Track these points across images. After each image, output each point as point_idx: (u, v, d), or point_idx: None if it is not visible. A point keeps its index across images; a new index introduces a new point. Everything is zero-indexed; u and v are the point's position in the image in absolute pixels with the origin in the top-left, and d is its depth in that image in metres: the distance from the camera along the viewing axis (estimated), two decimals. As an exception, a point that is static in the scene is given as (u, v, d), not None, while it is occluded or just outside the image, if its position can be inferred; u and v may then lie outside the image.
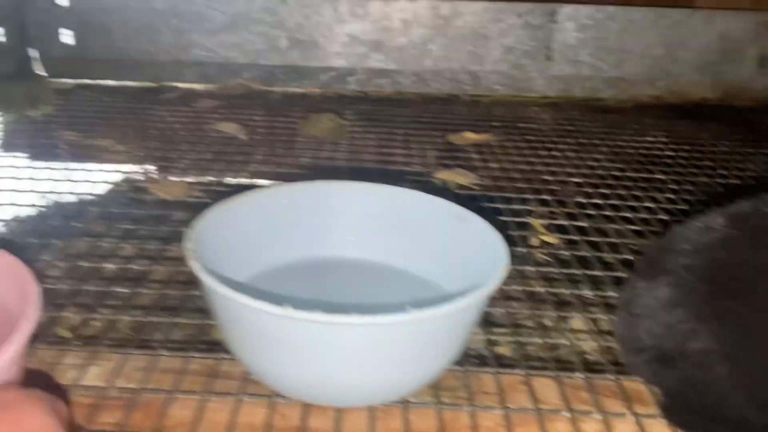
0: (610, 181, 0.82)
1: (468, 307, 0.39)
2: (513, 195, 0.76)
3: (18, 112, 0.97)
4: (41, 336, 0.47)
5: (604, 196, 0.77)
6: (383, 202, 0.53)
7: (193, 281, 0.52)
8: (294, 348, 0.37)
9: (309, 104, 1.10)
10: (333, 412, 0.41)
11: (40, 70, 1.14)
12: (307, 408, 0.41)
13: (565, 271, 0.60)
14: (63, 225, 0.64)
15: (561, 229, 0.68)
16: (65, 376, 0.43)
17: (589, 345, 0.51)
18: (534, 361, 0.49)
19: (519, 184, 0.80)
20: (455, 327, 0.40)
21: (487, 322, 0.52)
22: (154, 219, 0.66)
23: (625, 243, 0.66)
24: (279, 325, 0.36)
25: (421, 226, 0.52)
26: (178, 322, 0.51)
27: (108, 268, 0.57)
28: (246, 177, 0.79)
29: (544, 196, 0.76)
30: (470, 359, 0.48)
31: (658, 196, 0.78)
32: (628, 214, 0.73)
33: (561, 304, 0.56)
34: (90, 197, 0.71)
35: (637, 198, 0.77)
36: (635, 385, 0.46)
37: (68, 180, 0.75)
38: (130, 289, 0.54)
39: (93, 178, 0.76)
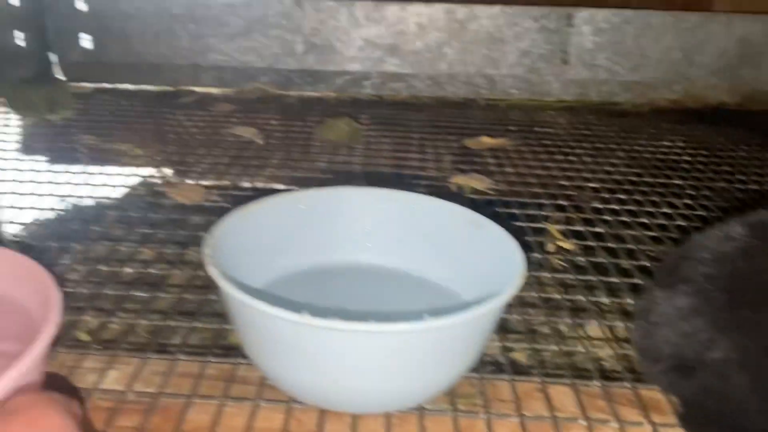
0: (626, 187, 0.81)
1: (485, 315, 0.39)
2: (529, 200, 0.76)
3: (38, 116, 0.99)
4: (61, 339, 0.48)
5: (621, 202, 0.77)
6: (400, 209, 0.53)
7: (210, 285, 0.52)
8: (311, 354, 0.37)
9: (325, 108, 1.10)
10: (349, 418, 0.41)
11: (59, 74, 1.16)
12: (323, 414, 0.42)
13: (581, 277, 0.60)
14: (82, 229, 0.65)
15: (577, 235, 0.68)
16: (85, 380, 0.44)
17: (605, 352, 0.51)
18: (550, 368, 0.48)
19: (535, 189, 0.80)
20: (472, 335, 0.40)
21: (502, 328, 0.52)
22: (171, 223, 0.67)
23: (642, 249, 0.65)
24: (296, 332, 0.37)
25: (437, 233, 0.52)
26: (195, 326, 0.51)
27: (126, 272, 0.58)
28: (262, 181, 0.79)
29: (561, 202, 0.76)
30: (486, 366, 0.48)
31: (675, 201, 0.77)
32: (645, 220, 0.72)
33: (577, 310, 0.56)
34: (109, 201, 0.72)
35: (654, 203, 0.77)
36: (652, 393, 0.45)
37: (87, 184, 0.76)
38: (148, 293, 0.55)
39: (111, 182, 0.76)
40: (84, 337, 0.49)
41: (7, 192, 0.71)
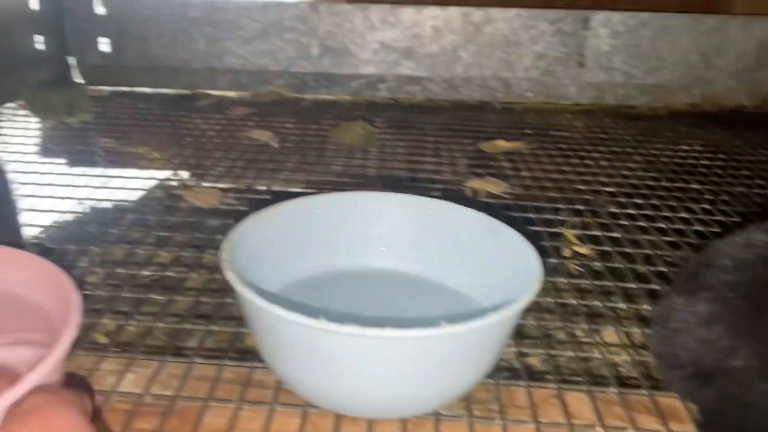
0: (644, 191, 0.81)
1: (502, 321, 0.39)
2: (545, 204, 0.76)
3: (56, 119, 1.00)
4: (80, 342, 0.48)
5: (638, 206, 0.76)
6: (416, 213, 0.53)
7: (226, 289, 0.53)
8: (327, 359, 0.38)
9: (340, 111, 1.10)
10: (365, 423, 0.41)
11: (78, 77, 1.17)
12: (339, 419, 0.42)
13: (597, 282, 0.60)
14: (100, 231, 0.66)
15: (594, 240, 0.68)
16: (103, 383, 0.44)
17: (621, 358, 0.50)
18: (566, 374, 0.48)
19: (551, 194, 0.79)
20: (489, 341, 0.40)
21: (518, 333, 0.52)
22: (188, 226, 0.67)
23: (659, 255, 0.65)
24: (312, 337, 0.37)
25: (453, 238, 0.52)
26: (212, 329, 0.51)
27: (144, 274, 0.58)
28: (278, 184, 0.79)
29: (577, 206, 0.76)
30: (502, 371, 0.47)
31: (693, 206, 0.77)
32: (662, 225, 0.71)
33: (593, 316, 0.55)
34: (126, 204, 0.73)
35: (671, 208, 0.76)
36: (670, 401, 0.45)
37: (105, 187, 0.76)
38: (165, 296, 0.55)
39: (129, 185, 0.77)
40: (102, 339, 0.50)
41: (27, 195, 0.72)
